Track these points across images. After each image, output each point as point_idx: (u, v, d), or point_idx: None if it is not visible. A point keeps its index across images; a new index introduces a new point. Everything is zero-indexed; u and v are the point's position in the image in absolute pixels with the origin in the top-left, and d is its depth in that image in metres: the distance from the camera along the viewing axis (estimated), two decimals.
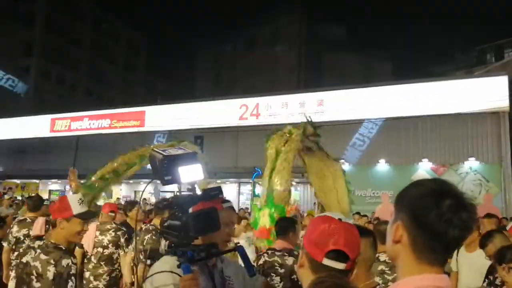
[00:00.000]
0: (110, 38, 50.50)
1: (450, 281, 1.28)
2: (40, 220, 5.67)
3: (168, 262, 2.05)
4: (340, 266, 1.58)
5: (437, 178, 1.36)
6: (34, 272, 3.04)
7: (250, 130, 20.24)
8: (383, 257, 3.75)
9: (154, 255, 4.70)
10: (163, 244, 2.12)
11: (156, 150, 2.03)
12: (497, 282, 3.61)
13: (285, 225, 4.15)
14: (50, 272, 3.02)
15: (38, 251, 3.13)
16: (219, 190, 2.16)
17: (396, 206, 1.33)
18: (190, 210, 2.01)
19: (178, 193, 2.11)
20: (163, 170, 1.95)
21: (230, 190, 21.29)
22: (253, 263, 3.28)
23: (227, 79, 46.30)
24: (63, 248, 3.19)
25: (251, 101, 21.48)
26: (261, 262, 3.97)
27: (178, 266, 1.92)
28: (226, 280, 2.25)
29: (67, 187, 25.70)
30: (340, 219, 1.67)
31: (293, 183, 21.31)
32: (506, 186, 16.13)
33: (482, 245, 4.15)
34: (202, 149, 21.25)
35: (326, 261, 1.57)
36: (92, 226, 5.92)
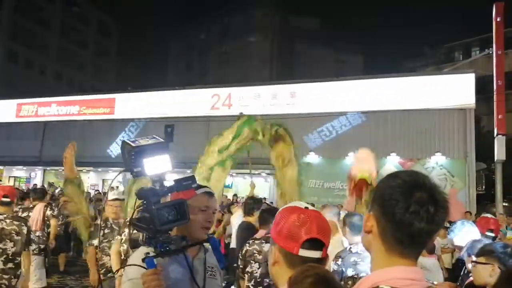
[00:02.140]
0: (81, 22, 49.33)
1: (423, 274, 1.28)
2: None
3: (143, 252, 1.99)
4: (317, 254, 1.55)
5: (414, 170, 1.35)
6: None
7: (221, 120, 20.17)
8: (355, 248, 3.82)
9: (135, 245, 4.72)
10: (141, 235, 2.07)
11: (126, 140, 1.96)
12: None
13: (267, 215, 4.36)
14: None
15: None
16: (192, 179, 2.08)
17: (372, 197, 1.33)
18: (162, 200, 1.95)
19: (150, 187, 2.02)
20: (132, 161, 1.90)
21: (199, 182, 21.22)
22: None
23: (199, 67, 45.94)
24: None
25: (223, 91, 21.40)
26: (243, 252, 4.19)
27: (143, 260, 1.88)
28: (207, 271, 2.21)
29: (32, 174, 25.16)
30: (306, 207, 1.63)
31: (264, 174, 21.50)
32: (470, 182, 16.59)
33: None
34: (172, 138, 21.16)
35: (303, 252, 1.54)
36: None
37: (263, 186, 20.05)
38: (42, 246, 7.34)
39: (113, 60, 54.00)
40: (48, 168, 24.72)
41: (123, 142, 1.97)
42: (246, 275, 4.14)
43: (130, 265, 2.02)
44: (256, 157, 19.40)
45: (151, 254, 1.91)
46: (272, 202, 15.72)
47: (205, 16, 45.00)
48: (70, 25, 47.82)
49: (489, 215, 5.24)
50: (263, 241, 4.17)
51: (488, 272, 2.79)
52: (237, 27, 42.19)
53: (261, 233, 4.32)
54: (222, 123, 19.94)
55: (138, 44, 46.52)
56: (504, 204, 17.84)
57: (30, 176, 25.16)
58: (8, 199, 5.03)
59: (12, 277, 4.83)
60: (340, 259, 3.87)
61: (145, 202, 1.95)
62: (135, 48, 46.57)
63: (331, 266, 3.91)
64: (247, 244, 4.25)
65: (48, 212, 7.65)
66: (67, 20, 47.56)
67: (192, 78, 41.10)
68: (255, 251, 4.14)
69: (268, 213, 4.46)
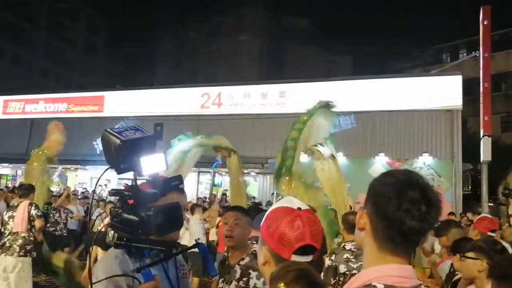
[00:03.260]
0: (69, 18, 48.87)
1: (413, 272, 1.29)
2: None
3: (113, 255, 1.86)
4: (309, 258, 1.52)
5: (407, 169, 1.36)
6: None
7: (211, 119, 20.19)
8: (349, 245, 3.89)
9: (100, 244, 4.78)
10: (111, 234, 1.85)
11: (111, 131, 1.76)
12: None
13: (254, 215, 4.38)
14: None
15: None
16: (179, 179, 2.00)
17: (366, 195, 1.33)
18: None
19: (135, 184, 1.83)
20: (120, 157, 1.73)
21: (189, 179, 21.17)
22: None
23: (189, 66, 45.79)
24: None
25: (213, 90, 21.37)
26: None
27: (138, 271, 1.73)
28: (179, 270, 2.12)
29: (19, 172, 24.91)
30: (299, 208, 1.57)
31: (253, 173, 21.53)
32: (456, 182, 16.80)
33: (437, 234, 4.29)
34: (161, 137, 21.09)
35: (295, 257, 1.50)
36: None
37: (253, 185, 20.10)
38: (28, 247, 6.81)
39: (102, 57, 53.62)
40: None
41: (106, 132, 1.77)
42: None
43: (121, 275, 1.79)
44: (245, 156, 19.39)
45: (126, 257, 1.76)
46: (260, 201, 15.78)
47: (195, 15, 44.89)
48: (58, 21, 47.35)
49: (488, 215, 5.27)
50: (254, 241, 4.18)
51: (477, 267, 2.84)
52: (227, 26, 42.16)
53: (252, 232, 4.37)
54: (212, 122, 20.11)
55: (128, 41, 46.22)
56: (489, 204, 18.08)
57: (16, 173, 24.90)
58: None
59: None
60: (333, 255, 3.92)
61: (137, 204, 1.76)
62: (124, 46, 46.25)
63: (325, 262, 3.98)
64: None
65: (33, 212, 6.94)
66: (55, 16, 47.08)
67: (182, 77, 40.96)
68: None
69: (254, 212, 4.53)
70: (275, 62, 39.45)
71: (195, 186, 20.75)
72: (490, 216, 5.23)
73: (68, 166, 22.23)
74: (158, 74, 48.13)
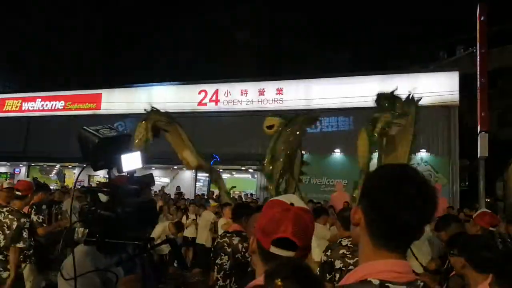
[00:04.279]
0: (66, 16, 48.65)
1: (410, 267, 1.28)
2: None
3: (89, 253, 1.85)
4: (288, 254, 1.50)
5: (403, 164, 1.36)
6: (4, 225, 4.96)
7: (208, 116, 20.20)
8: (345, 241, 3.89)
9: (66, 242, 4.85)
10: (80, 231, 1.92)
11: (88, 129, 1.79)
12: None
13: (240, 211, 4.50)
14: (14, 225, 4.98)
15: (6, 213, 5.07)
16: (151, 177, 1.99)
17: (361, 190, 1.33)
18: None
19: (111, 180, 1.85)
20: (98, 154, 1.76)
21: (186, 176, 21.20)
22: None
23: (186, 63, 45.67)
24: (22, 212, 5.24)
25: (210, 87, 21.37)
26: (215, 243, 4.34)
27: (117, 265, 1.73)
28: (147, 272, 2.03)
29: (16, 170, 24.89)
30: (292, 204, 1.55)
31: (250, 170, 21.54)
32: (453, 178, 16.85)
33: (438, 229, 4.33)
34: (159, 134, 21.07)
35: (273, 249, 1.50)
36: None
37: (250, 182, 20.13)
38: (28, 253, 5.87)
39: (99, 54, 53.45)
40: (32, 164, 24.47)
41: (83, 130, 1.79)
42: (216, 266, 4.22)
43: (101, 270, 1.79)
44: (242, 152, 19.47)
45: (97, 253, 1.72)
46: (258, 198, 15.80)
47: (192, 11, 44.80)
48: (55, 18, 47.15)
49: (488, 211, 5.27)
50: (234, 235, 4.27)
51: (460, 264, 2.84)
52: (224, 23, 42.05)
53: (233, 227, 4.43)
54: (209, 119, 20.12)
55: (124, 39, 46.04)
56: (486, 200, 18.14)
57: (14, 171, 24.88)
58: (19, 193, 5.27)
59: (1, 269, 4.83)
60: (329, 251, 3.94)
61: (113, 200, 1.75)
62: (121, 43, 46.06)
63: (321, 257, 4.01)
64: (219, 237, 4.39)
65: (34, 217, 6.19)
66: (52, 13, 46.89)
67: (178, 74, 40.85)
68: (225, 244, 4.24)
69: (241, 208, 4.63)
70: (273, 59, 39.42)
71: (193, 183, 20.76)
72: (490, 211, 5.23)
73: (66, 164, 22.22)
74: (154, 72, 48.00)
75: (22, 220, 5.10)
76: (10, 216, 5.04)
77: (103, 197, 1.76)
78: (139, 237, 1.81)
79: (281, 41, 39.41)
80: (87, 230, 1.75)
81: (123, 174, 1.86)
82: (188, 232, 11.09)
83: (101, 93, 23.68)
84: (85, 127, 1.80)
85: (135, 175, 1.89)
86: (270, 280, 1.38)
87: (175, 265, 5.99)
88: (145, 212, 1.78)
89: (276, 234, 1.49)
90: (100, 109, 23.28)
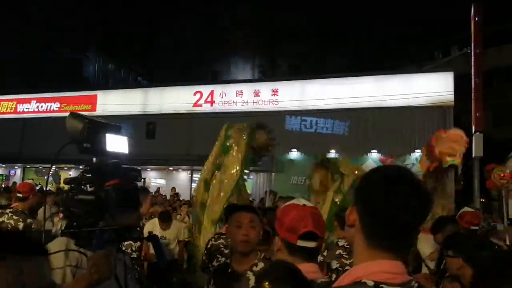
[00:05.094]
0: (63, 16, 48.54)
1: (404, 268, 1.28)
2: None
3: (63, 243, 1.84)
4: (313, 244, 1.84)
5: (397, 165, 1.37)
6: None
7: (204, 117, 20.17)
8: (341, 242, 3.91)
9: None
10: (60, 224, 1.93)
11: (78, 113, 1.84)
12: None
13: (231, 212, 4.45)
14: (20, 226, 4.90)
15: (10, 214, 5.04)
16: (139, 172, 2.00)
17: (355, 191, 1.34)
18: None
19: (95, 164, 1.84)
20: (85, 135, 1.77)
21: (182, 178, 21.18)
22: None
23: (182, 64, 45.68)
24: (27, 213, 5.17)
25: (205, 88, 21.36)
26: (208, 246, 4.23)
27: (82, 245, 1.73)
28: (128, 273, 2.06)
29: (12, 172, 24.80)
30: (304, 205, 1.91)
31: (246, 171, 21.39)
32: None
33: (434, 231, 4.29)
34: (154, 135, 21.07)
35: (300, 242, 1.81)
36: None
37: (246, 183, 20.09)
38: None
39: (95, 55, 53.32)
40: (28, 166, 24.39)
41: (73, 114, 1.84)
42: (212, 268, 4.20)
43: (69, 250, 1.79)
44: None
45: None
46: (254, 199, 15.80)
47: (188, 12, 44.79)
48: (51, 18, 47.02)
49: (469, 209, 5.26)
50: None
51: (456, 265, 2.85)
52: (220, 23, 42.10)
53: (225, 229, 4.31)
54: (205, 120, 20.09)
55: (120, 39, 45.94)
56: (481, 200, 18.19)
57: (9, 173, 24.79)
58: (21, 195, 5.25)
59: None
60: (326, 251, 3.97)
61: (94, 181, 1.74)
62: (116, 43, 45.97)
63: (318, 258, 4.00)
64: (213, 239, 4.34)
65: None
66: (48, 13, 46.76)
67: (174, 75, 40.85)
68: (221, 246, 4.19)
69: (231, 210, 4.60)
70: (269, 59, 39.46)
71: (188, 184, 20.74)
72: (471, 210, 5.21)
73: (62, 165, 22.15)
74: (150, 73, 47.97)
75: (28, 220, 5.08)
76: (14, 217, 5.01)
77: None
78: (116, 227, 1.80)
79: (277, 41, 39.42)
80: (66, 222, 1.76)
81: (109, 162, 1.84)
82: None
83: (96, 94, 23.63)
84: (73, 112, 1.83)
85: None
86: (260, 282, 1.42)
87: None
88: (125, 195, 1.78)
89: (301, 229, 1.82)
90: (95, 110, 23.22)
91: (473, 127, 17.18)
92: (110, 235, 1.75)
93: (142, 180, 19.53)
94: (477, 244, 2.94)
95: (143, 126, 21.13)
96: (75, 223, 1.76)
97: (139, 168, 2.03)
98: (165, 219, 7.16)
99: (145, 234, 5.35)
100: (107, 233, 1.74)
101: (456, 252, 2.88)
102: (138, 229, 2.28)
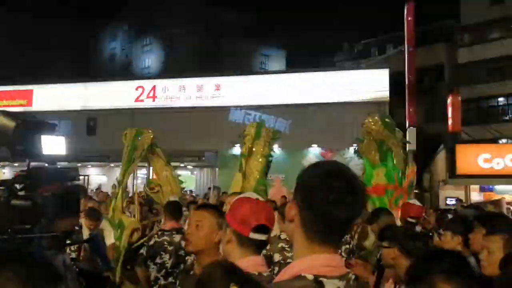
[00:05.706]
0: None
1: (342, 261, 1.33)
2: None
3: None
4: (264, 237, 1.91)
5: (334, 161, 1.44)
6: None
7: (146, 113, 19.93)
8: (284, 235, 3.92)
9: None
10: None
11: (8, 112, 1.67)
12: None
13: (173, 208, 4.48)
14: None
15: None
16: (76, 171, 1.92)
17: (295, 186, 1.36)
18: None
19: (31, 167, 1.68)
20: (17, 137, 1.62)
21: None
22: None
23: (123, 58, 44.64)
24: None
25: (147, 83, 21.08)
26: (151, 243, 4.14)
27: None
28: (67, 274, 2.02)
29: None
30: (257, 199, 1.98)
31: (189, 166, 21.45)
32: None
33: (369, 221, 4.39)
34: (95, 131, 20.51)
35: (252, 235, 1.86)
36: None
37: (190, 179, 20.07)
38: None
39: (29, 48, 50.88)
40: None
41: (3, 111, 1.66)
42: (155, 266, 4.07)
43: None
44: (181, 149, 19.29)
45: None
46: (198, 195, 15.84)
47: (129, 6, 43.69)
48: None
49: (413, 201, 5.21)
50: (173, 232, 4.18)
51: (391, 255, 2.92)
52: (162, 18, 41.38)
53: (169, 225, 4.33)
54: (147, 115, 19.84)
55: (58, 33, 44.15)
56: (415, 191, 19.14)
57: None
58: None
59: None
60: (268, 245, 3.98)
61: (29, 186, 1.60)
62: (55, 38, 44.15)
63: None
64: (156, 236, 4.23)
65: None
66: None
67: (115, 69, 39.84)
68: (165, 243, 4.11)
69: (174, 206, 4.58)
70: (211, 55, 39.34)
71: (131, 181, 20.39)
72: (411, 202, 5.19)
73: None
74: (91, 67, 46.48)
75: None
76: None
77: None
78: (54, 233, 1.71)
79: (219, 38, 39.38)
80: None
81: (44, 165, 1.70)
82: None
83: (32, 89, 22.69)
84: (2, 110, 1.65)
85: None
86: (203, 284, 1.47)
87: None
88: (66, 202, 1.66)
89: (254, 222, 1.87)
90: (31, 105, 22.31)
91: (407, 122, 18.09)
92: (49, 242, 1.66)
93: (84, 177, 19.04)
94: (411, 234, 3.03)
95: (84, 122, 20.56)
96: (8, 229, 1.58)
97: (76, 166, 2.01)
98: (93, 216, 6.15)
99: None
100: (46, 240, 1.65)
101: (391, 243, 2.94)
102: (77, 228, 2.12)
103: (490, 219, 2.83)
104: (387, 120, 6.52)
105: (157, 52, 41.26)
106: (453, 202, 15.46)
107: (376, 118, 6.53)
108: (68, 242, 1.86)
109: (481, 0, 26.03)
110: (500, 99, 25.25)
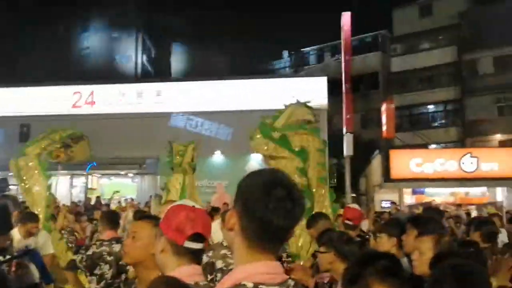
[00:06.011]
0: None
1: (281, 268, 1.34)
2: None
3: None
4: (200, 246, 1.84)
5: (273, 168, 1.48)
6: None
7: (84, 119, 19.36)
8: (226, 242, 3.87)
9: None
10: None
11: None
12: None
13: (110, 218, 4.44)
14: None
15: None
16: (5, 182, 1.82)
17: (235, 195, 1.36)
18: None
19: None
20: None
21: (61, 183, 20.07)
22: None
23: (59, 62, 42.96)
24: None
25: (85, 89, 20.46)
26: (89, 252, 4.03)
27: None
28: None
29: None
30: (193, 206, 1.89)
31: (131, 174, 21.04)
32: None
33: (307, 226, 4.37)
34: (28, 138, 19.63)
35: (187, 244, 1.80)
36: None
37: (131, 187, 19.71)
38: None
39: None
40: None
41: None
42: (93, 277, 3.97)
43: None
44: (122, 156, 18.96)
45: None
46: (139, 203, 15.58)
47: (65, 7, 42.23)
48: None
49: (352, 206, 5.41)
50: (113, 242, 4.08)
51: (328, 260, 3.01)
52: (100, 22, 40.37)
53: (108, 234, 4.23)
54: (85, 122, 19.27)
55: None
56: (352, 195, 19.83)
57: None
58: None
59: None
60: (211, 251, 3.97)
61: None
62: None
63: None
64: (94, 246, 4.11)
65: None
66: None
67: (50, 74, 38.29)
68: (104, 253, 3.99)
69: (111, 215, 4.56)
70: (152, 60, 38.88)
71: (68, 190, 19.73)
72: (351, 206, 5.42)
73: None
74: (23, 71, 44.42)
75: None
76: None
77: None
78: None
79: (160, 43, 39.02)
80: None
81: None
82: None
83: None
84: None
85: None
86: None
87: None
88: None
89: (190, 230, 1.80)
90: None
91: (344, 128, 18.71)
92: None
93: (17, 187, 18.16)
94: (346, 239, 3.11)
95: (17, 128, 19.66)
96: None
97: (6, 177, 1.95)
98: (32, 219, 5.81)
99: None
100: None
101: (328, 248, 3.02)
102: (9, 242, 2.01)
103: (422, 221, 2.95)
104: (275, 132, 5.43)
105: (94, 56, 40.14)
106: (388, 205, 16.11)
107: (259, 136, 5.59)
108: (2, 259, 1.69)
109: (412, 13, 27.51)
110: (430, 106, 26.64)
